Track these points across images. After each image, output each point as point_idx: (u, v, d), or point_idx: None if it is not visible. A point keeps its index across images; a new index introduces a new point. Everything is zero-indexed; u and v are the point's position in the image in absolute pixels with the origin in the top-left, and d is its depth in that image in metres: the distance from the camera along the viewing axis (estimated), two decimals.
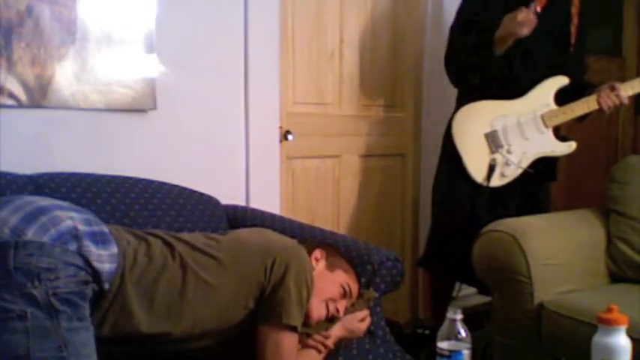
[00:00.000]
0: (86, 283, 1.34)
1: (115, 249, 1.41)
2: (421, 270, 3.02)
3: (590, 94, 2.49)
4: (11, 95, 1.88)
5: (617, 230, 2.38)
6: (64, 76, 1.98)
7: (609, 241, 2.38)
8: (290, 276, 1.52)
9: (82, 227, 1.38)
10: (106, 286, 1.38)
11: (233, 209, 2.19)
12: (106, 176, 1.97)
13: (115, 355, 1.47)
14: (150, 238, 1.54)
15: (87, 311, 1.33)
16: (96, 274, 1.36)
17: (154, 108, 2.19)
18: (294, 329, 1.52)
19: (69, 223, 1.36)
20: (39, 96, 1.94)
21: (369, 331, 1.81)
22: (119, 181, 1.97)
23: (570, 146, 2.52)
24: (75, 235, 1.35)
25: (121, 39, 2.09)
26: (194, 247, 1.55)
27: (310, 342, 1.64)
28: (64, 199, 1.80)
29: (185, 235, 1.61)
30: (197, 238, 1.61)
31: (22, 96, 1.91)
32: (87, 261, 1.35)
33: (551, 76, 2.50)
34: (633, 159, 2.53)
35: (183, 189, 2.10)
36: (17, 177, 1.79)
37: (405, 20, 3.12)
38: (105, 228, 1.45)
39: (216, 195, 2.17)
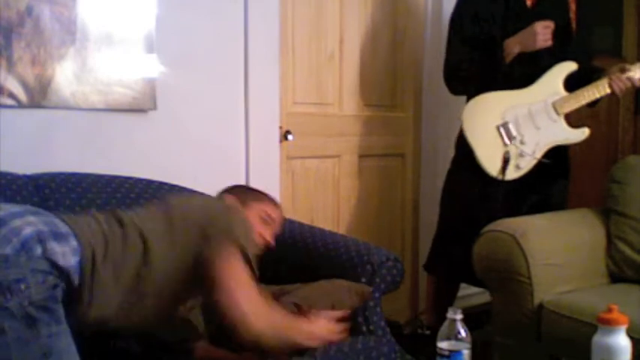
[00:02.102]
0: (55, 286, 1.34)
1: (74, 242, 1.40)
2: (423, 271, 3.01)
3: (598, 78, 2.45)
4: (11, 95, 1.88)
5: (617, 230, 2.37)
6: (64, 76, 1.98)
7: (609, 241, 2.38)
8: (224, 227, 1.54)
9: (43, 228, 1.37)
10: (76, 281, 1.38)
11: None
12: (106, 176, 1.97)
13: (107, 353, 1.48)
14: (100, 215, 1.53)
15: (62, 313, 1.33)
16: (63, 273, 1.36)
17: (154, 108, 2.19)
18: (244, 254, 1.50)
19: (30, 230, 1.35)
20: (39, 96, 1.94)
21: (370, 331, 1.81)
22: (119, 181, 1.97)
23: (584, 132, 2.48)
24: (39, 239, 1.35)
25: (121, 39, 2.09)
26: (138, 215, 1.55)
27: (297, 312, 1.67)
28: (64, 199, 1.81)
29: (123, 210, 1.61)
30: (132, 208, 1.62)
31: (22, 96, 1.90)
32: (53, 263, 1.34)
33: (557, 64, 2.47)
34: (633, 159, 2.53)
35: (183, 189, 2.10)
36: (17, 177, 1.79)
37: (405, 20, 3.12)
38: (61, 225, 1.43)
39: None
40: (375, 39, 3.01)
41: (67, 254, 1.37)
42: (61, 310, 1.33)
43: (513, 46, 2.41)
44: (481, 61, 2.48)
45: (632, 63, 2.50)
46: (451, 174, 2.69)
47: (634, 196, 2.39)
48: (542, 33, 2.38)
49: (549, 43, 2.40)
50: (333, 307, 1.75)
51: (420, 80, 3.18)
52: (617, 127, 4.11)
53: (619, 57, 4.05)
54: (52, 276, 1.33)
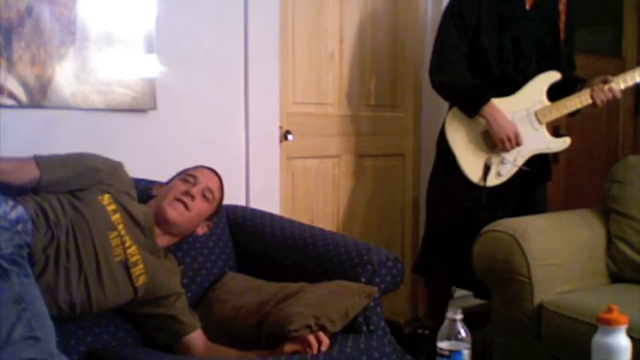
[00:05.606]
0: (20, 246, 1.47)
1: (20, 208, 1.54)
2: None
3: (581, 88, 2.47)
4: (11, 95, 1.88)
5: (617, 230, 2.38)
6: (64, 76, 1.98)
7: (609, 241, 2.38)
8: None
9: None
10: (27, 238, 1.51)
11: (233, 209, 2.19)
12: None
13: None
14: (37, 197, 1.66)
15: (30, 270, 1.46)
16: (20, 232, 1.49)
17: (154, 108, 2.19)
18: None
19: None
20: (39, 96, 1.94)
21: (370, 331, 1.81)
22: None
23: (565, 142, 2.51)
24: None
25: (121, 39, 2.09)
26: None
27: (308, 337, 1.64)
28: None
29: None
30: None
31: (22, 96, 1.90)
32: (10, 221, 1.47)
33: (543, 72, 2.49)
34: (633, 159, 2.53)
35: None
36: None
37: (405, 20, 3.12)
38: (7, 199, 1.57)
39: None
40: (375, 39, 3.01)
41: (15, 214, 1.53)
42: (29, 267, 1.45)
43: (488, 113, 2.41)
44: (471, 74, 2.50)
45: (632, 63, 2.52)
46: (435, 175, 2.69)
47: (634, 196, 2.39)
48: (510, 139, 2.39)
49: (500, 146, 2.42)
50: (347, 312, 1.74)
51: (420, 80, 3.18)
52: (617, 127, 4.12)
53: (619, 57, 4.07)
54: (17, 235, 1.46)
